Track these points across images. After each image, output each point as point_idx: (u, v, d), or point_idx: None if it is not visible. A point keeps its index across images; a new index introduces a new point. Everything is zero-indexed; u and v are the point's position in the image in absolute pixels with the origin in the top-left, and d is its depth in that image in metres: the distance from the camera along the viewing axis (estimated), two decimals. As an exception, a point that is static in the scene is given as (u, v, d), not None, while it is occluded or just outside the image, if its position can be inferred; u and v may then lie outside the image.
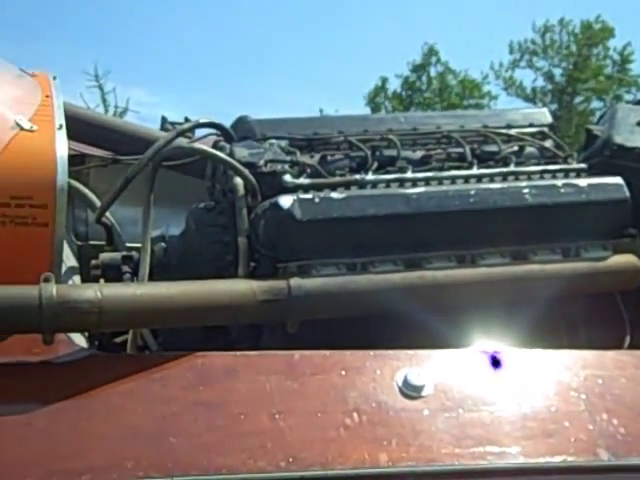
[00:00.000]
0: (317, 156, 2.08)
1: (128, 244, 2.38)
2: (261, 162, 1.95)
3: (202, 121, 2.19)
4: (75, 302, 1.56)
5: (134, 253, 2.09)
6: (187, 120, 2.87)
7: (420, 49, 25.46)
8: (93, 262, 2.08)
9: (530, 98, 28.78)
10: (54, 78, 2.19)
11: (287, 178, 1.93)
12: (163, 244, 2.06)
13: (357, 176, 2.00)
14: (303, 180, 1.95)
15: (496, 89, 29.10)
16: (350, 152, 2.12)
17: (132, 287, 1.74)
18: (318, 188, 1.93)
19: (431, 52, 25.42)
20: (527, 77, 29.89)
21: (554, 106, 27.51)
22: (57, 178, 1.75)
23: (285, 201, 1.83)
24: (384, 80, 24.58)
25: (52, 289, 1.56)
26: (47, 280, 1.59)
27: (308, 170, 2.00)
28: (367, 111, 23.40)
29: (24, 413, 1.50)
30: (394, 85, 25.33)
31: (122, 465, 1.45)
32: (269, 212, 1.83)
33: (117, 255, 2.08)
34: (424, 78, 25.69)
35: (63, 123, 1.89)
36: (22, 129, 1.85)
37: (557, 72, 29.68)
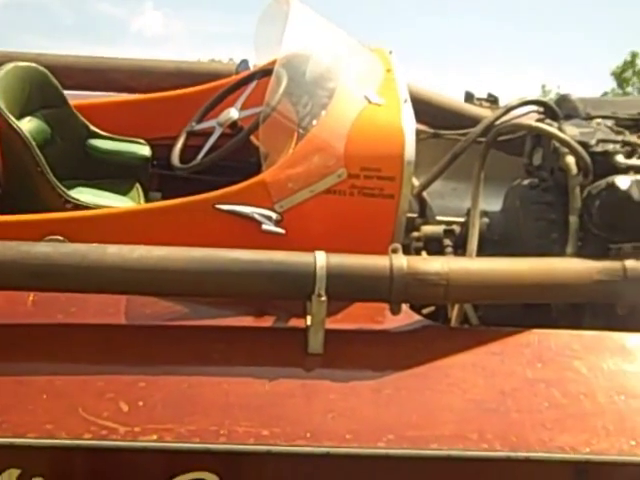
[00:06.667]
0: None
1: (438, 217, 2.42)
2: (593, 141, 1.92)
3: (529, 98, 2.18)
4: (424, 274, 1.61)
5: (455, 227, 2.13)
6: (490, 96, 2.87)
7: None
8: (415, 234, 2.14)
9: None
10: (390, 52, 2.27)
11: (619, 158, 1.89)
12: (486, 219, 2.08)
13: None
14: (636, 161, 1.90)
15: None
16: None
17: (476, 261, 1.77)
18: None
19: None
20: None
21: None
22: (405, 151, 1.81)
23: (622, 182, 1.79)
24: (634, 55, 23.00)
25: (402, 260, 1.62)
26: (395, 251, 1.65)
27: None
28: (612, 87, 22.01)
29: (373, 379, 1.59)
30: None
31: (467, 437, 1.50)
32: (605, 193, 1.80)
33: (439, 228, 2.13)
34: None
35: (408, 97, 1.95)
36: (370, 102, 1.93)
37: None
